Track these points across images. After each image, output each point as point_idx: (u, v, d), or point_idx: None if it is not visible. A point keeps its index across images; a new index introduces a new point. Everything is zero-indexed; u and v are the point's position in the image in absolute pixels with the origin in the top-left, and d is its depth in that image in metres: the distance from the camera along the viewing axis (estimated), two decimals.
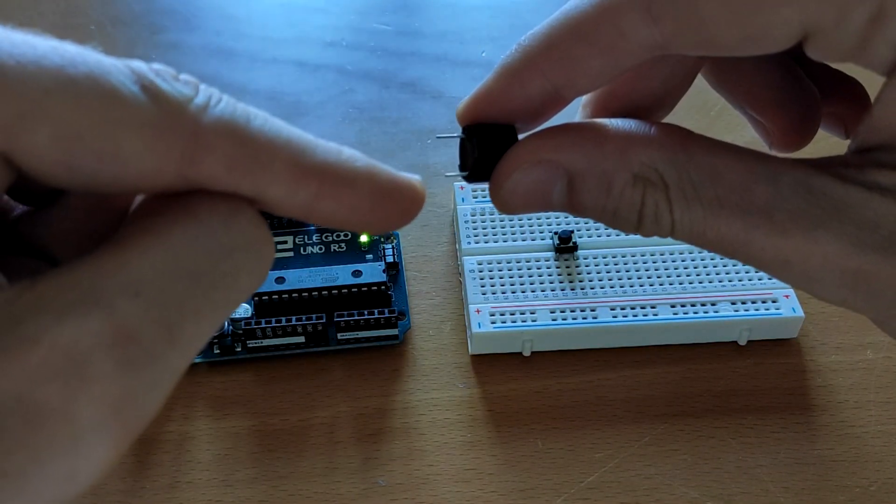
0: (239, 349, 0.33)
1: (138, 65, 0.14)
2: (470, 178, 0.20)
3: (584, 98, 0.22)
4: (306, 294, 0.33)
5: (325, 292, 0.33)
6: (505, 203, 0.19)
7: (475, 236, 0.35)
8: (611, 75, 0.19)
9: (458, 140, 0.20)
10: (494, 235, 0.35)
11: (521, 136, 0.20)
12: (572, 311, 0.33)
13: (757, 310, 0.33)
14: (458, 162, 0.21)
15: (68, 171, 0.13)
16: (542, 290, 0.34)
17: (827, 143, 0.22)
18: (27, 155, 0.13)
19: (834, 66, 0.22)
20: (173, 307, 0.13)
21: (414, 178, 0.16)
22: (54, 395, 0.12)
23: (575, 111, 0.22)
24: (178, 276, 0.13)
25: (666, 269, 0.34)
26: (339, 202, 0.15)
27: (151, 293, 0.13)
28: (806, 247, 0.17)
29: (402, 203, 0.16)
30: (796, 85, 0.21)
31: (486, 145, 0.19)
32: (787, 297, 0.33)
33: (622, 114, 0.21)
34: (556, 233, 0.35)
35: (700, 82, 0.22)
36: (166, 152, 0.13)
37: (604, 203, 0.19)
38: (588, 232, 0.35)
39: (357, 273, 0.33)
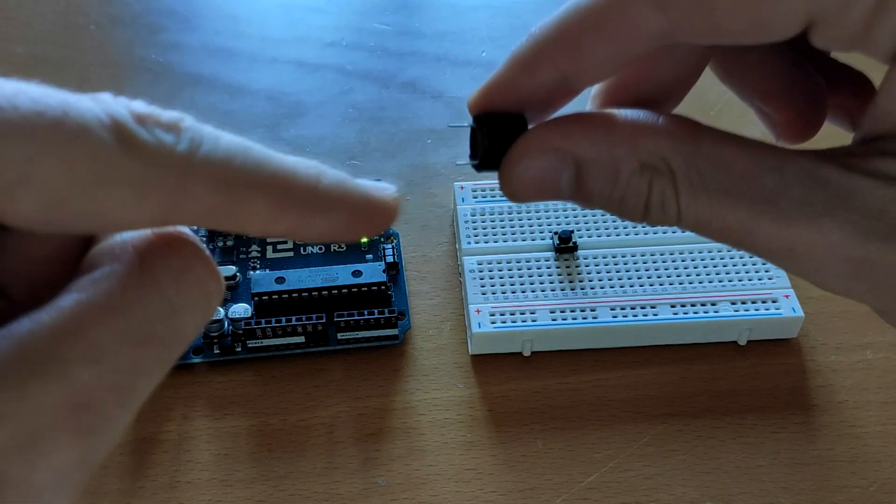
0: (239, 349, 0.33)
1: (118, 110, 0.13)
2: (480, 167, 0.20)
3: (594, 89, 0.22)
4: (306, 294, 0.33)
5: (325, 292, 0.33)
6: (514, 191, 0.20)
7: (475, 236, 0.35)
8: (620, 64, 0.19)
9: (467, 130, 0.20)
10: (494, 235, 0.35)
11: (531, 126, 0.20)
12: (572, 311, 0.33)
13: (757, 310, 0.33)
14: (468, 152, 0.21)
15: (48, 227, 0.13)
16: (542, 290, 0.34)
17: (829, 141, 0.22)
18: (9, 218, 0.13)
19: (839, 57, 0.22)
20: (126, 370, 0.14)
21: (388, 191, 0.16)
22: (15, 467, 0.12)
23: (585, 102, 0.22)
24: (131, 340, 0.14)
25: (666, 269, 0.34)
26: (315, 229, 0.15)
27: (107, 360, 0.13)
28: (810, 235, 0.17)
29: (376, 221, 0.16)
30: (803, 76, 0.21)
31: (496, 134, 0.19)
32: (787, 297, 0.33)
33: (631, 105, 0.21)
34: (556, 233, 0.35)
35: (702, 82, 0.22)
36: (147, 206, 0.13)
37: (611, 191, 0.19)
38: (588, 232, 0.35)
39: (357, 273, 0.33)
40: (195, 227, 0.18)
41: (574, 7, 0.18)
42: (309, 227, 0.15)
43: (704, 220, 0.18)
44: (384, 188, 0.16)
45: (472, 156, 0.20)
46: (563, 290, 0.34)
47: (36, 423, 0.12)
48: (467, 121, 0.20)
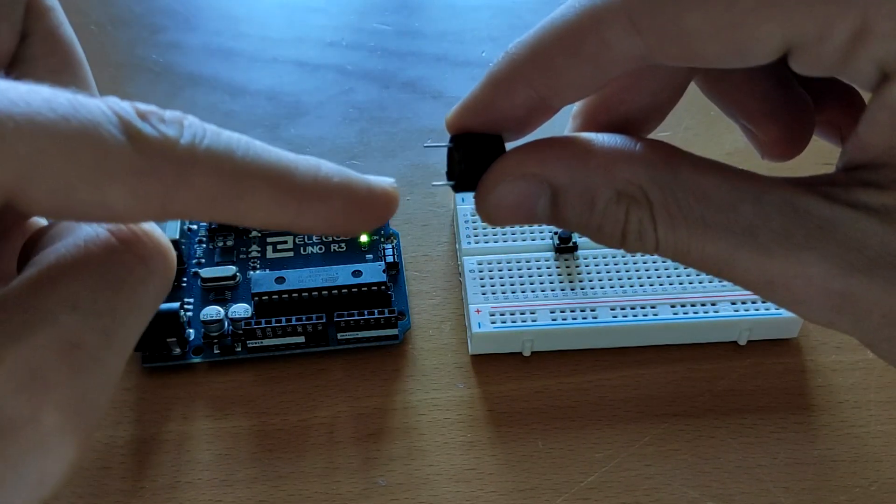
0: (239, 349, 0.33)
1: (123, 107, 0.14)
2: (456, 188, 0.20)
3: (575, 108, 0.22)
4: (306, 294, 0.33)
5: (325, 292, 0.33)
6: (490, 215, 0.20)
7: (475, 236, 0.35)
8: (596, 85, 0.19)
9: (446, 149, 0.20)
10: (494, 235, 0.35)
11: (509, 146, 0.20)
12: (572, 311, 0.33)
13: (757, 310, 0.33)
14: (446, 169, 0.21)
15: (58, 215, 0.14)
16: (542, 290, 0.34)
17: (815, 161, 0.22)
18: (21, 205, 0.13)
19: None
20: (106, 315, 0.15)
21: (386, 182, 0.17)
22: (24, 405, 0.13)
23: (566, 118, 0.22)
24: (104, 287, 0.15)
25: (666, 269, 0.34)
26: (317, 217, 0.16)
27: (85, 305, 0.14)
28: (790, 268, 0.17)
29: (376, 209, 0.17)
30: (789, 94, 0.21)
31: (472, 156, 0.19)
32: None
33: (612, 124, 0.21)
34: (556, 233, 0.35)
35: None
36: (150, 196, 0.14)
37: (587, 219, 0.19)
38: None
39: (357, 273, 0.33)
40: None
41: (549, 27, 0.18)
42: (309, 216, 0.16)
43: (683, 251, 0.18)
44: (383, 179, 0.17)
45: (449, 176, 0.20)
46: (563, 290, 0.34)
47: (33, 361, 0.13)
48: (445, 141, 0.20)
